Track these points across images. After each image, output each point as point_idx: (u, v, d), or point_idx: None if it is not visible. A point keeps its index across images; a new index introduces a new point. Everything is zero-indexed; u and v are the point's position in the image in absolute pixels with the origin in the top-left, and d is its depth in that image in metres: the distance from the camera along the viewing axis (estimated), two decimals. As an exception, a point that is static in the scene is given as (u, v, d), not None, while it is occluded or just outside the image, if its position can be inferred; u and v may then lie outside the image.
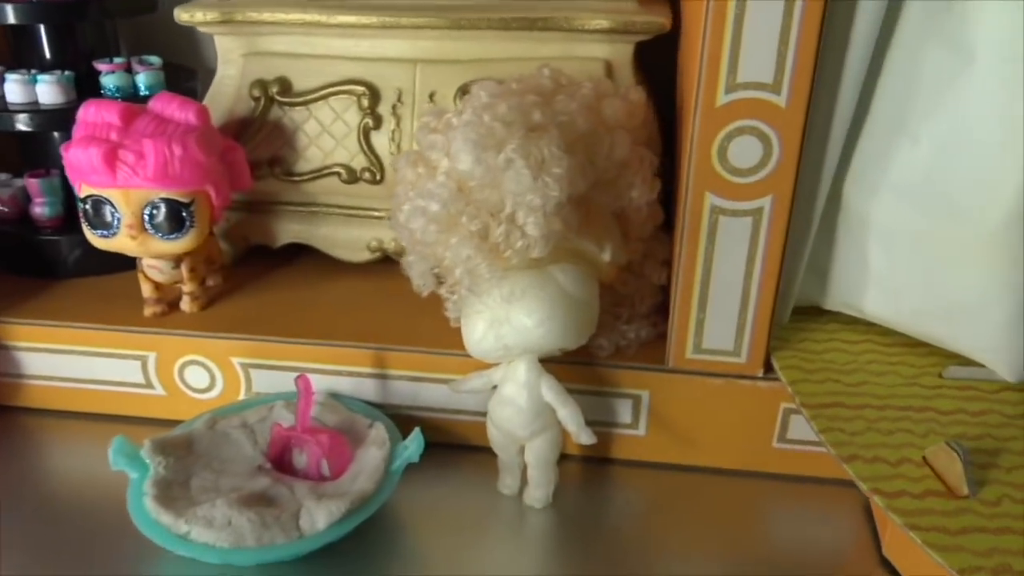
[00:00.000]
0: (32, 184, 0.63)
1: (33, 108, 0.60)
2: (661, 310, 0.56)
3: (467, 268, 0.45)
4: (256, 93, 0.60)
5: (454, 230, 0.45)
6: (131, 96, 0.63)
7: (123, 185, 0.52)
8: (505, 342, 0.47)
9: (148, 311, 0.59)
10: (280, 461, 0.52)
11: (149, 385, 0.59)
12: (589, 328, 0.49)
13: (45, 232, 0.64)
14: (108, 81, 0.61)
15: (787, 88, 0.45)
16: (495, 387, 0.51)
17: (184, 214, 0.54)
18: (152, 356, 0.58)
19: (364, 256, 0.64)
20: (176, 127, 0.53)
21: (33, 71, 0.61)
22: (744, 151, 0.46)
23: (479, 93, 0.46)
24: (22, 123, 0.60)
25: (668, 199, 0.55)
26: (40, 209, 0.64)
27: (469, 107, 0.45)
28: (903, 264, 0.49)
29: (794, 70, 0.44)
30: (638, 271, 0.55)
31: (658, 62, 0.61)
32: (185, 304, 0.60)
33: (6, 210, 0.65)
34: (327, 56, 0.60)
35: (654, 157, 0.50)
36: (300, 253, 0.68)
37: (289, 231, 0.65)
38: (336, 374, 0.57)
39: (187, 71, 0.69)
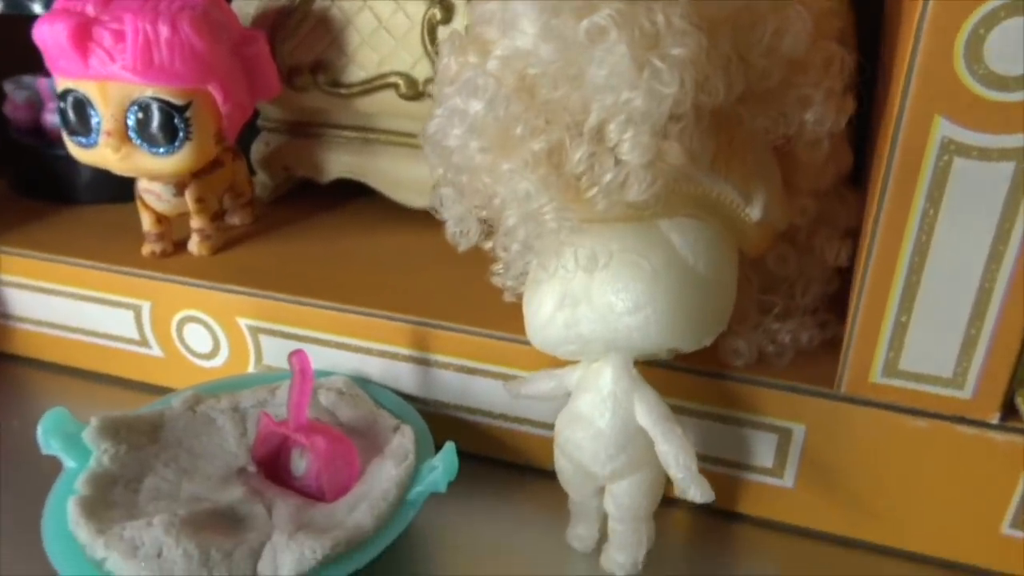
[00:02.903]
0: (44, 85, 0.52)
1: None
2: (834, 304, 0.37)
3: (525, 212, 0.29)
4: (298, -29, 0.45)
5: (508, 150, 0.29)
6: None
7: (98, 76, 0.39)
8: (580, 330, 0.31)
9: (146, 249, 0.46)
10: (273, 464, 0.38)
11: (144, 342, 0.47)
12: (717, 323, 0.32)
13: (58, 146, 0.53)
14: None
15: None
16: (569, 395, 0.34)
17: (177, 120, 0.40)
18: (146, 306, 0.45)
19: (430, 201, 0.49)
20: (172, 2, 0.39)
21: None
22: (1016, 45, 0.27)
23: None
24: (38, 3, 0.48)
25: (856, 136, 0.36)
26: (52, 116, 0.53)
27: (547, -49, 0.28)
28: None
29: None
30: (804, 243, 0.36)
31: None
32: (193, 244, 0.46)
33: (20, 118, 0.54)
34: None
35: (848, 56, 0.31)
36: (356, 195, 0.53)
37: (340, 163, 0.50)
38: (365, 352, 0.42)
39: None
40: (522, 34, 0.27)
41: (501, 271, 0.31)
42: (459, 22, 0.43)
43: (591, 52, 0.26)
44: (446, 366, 0.41)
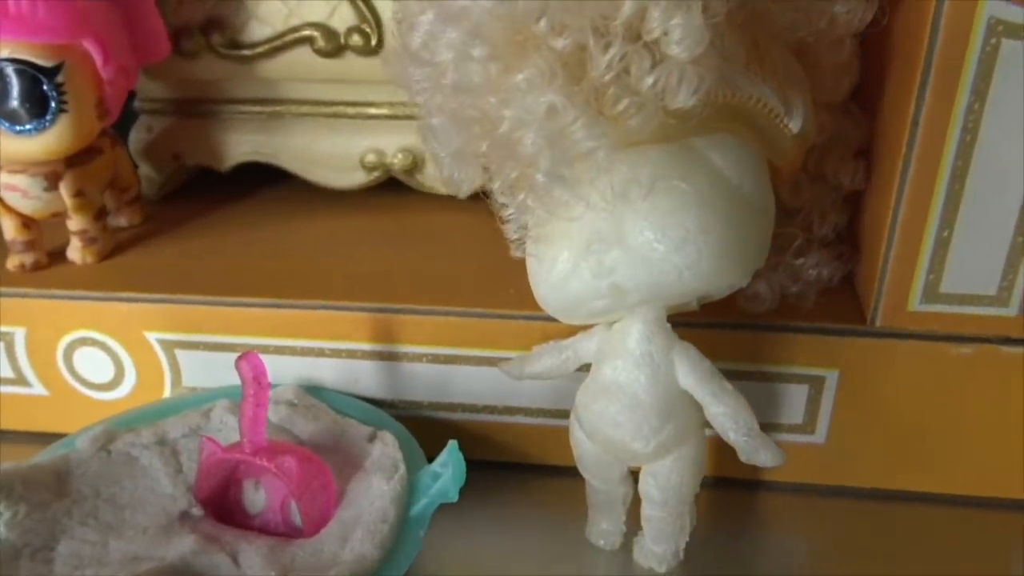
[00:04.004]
0: None
1: None
2: (846, 237, 0.34)
3: (548, 132, 0.23)
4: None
5: (521, 57, 0.23)
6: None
7: (-65, 34, 0.30)
8: (615, 279, 0.25)
9: (12, 262, 0.37)
10: (220, 502, 0.31)
11: (21, 380, 0.37)
12: (761, 254, 0.27)
13: None
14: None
15: None
16: (586, 368, 0.29)
17: (46, 87, 0.32)
18: (20, 333, 0.36)
19: (357, 178, 0.42)
20: (29, -63, 0.31)
21: None
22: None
23: None
24: None
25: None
26: None
27: None
28: None
29: None
30: (815, 169, 0.33)
31: None
32: (74, 251, 0.38)
33: None
34: None
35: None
36: (265, 181, 0.46)
37: (243, 144, 0.43)
38: (316, 354, 0.35)
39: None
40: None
41: (512, 217, 0.26)
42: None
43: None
44: (418, 358, 0.34)
